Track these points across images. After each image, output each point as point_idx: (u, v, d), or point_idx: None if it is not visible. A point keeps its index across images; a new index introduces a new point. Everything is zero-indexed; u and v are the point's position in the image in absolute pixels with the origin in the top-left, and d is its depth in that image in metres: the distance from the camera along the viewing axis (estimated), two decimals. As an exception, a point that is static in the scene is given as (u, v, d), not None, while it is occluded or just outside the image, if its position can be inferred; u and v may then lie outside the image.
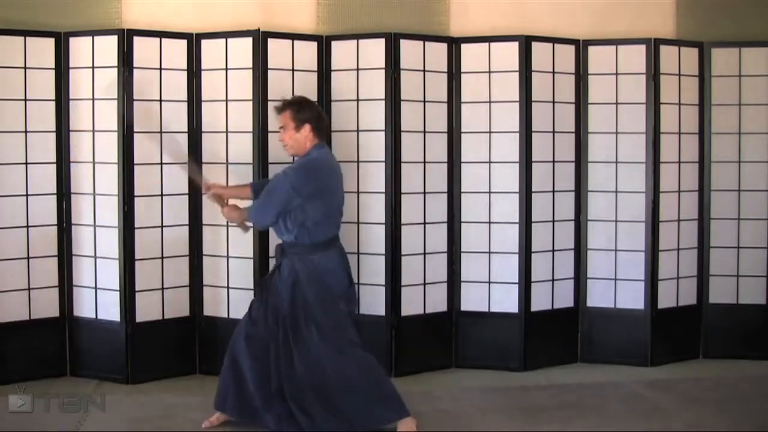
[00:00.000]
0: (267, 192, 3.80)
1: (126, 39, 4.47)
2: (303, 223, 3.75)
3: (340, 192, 3.90)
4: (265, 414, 3.74)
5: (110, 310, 4.53)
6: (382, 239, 4.68)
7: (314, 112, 3.88)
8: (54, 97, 4.56)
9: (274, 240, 4.31)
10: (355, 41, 4.71)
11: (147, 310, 4.55)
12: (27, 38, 4.49)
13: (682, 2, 5.13)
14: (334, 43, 4.73)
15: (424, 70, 4.75)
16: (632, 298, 4.93)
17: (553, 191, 4.89)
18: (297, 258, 3.78)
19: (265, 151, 4.53)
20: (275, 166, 4.40)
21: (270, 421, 3.73)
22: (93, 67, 4.52)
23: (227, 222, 4.55)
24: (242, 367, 3.79)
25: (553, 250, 4.90)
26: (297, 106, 3.86)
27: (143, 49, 4.50)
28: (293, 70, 4.64)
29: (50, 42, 4.53)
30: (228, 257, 4.62)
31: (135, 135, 4.49)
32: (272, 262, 4.16)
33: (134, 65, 4.48)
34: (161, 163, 4.56)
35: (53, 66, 4.55)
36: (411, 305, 4.75)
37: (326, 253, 3.81)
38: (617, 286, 4.96)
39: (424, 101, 4.76)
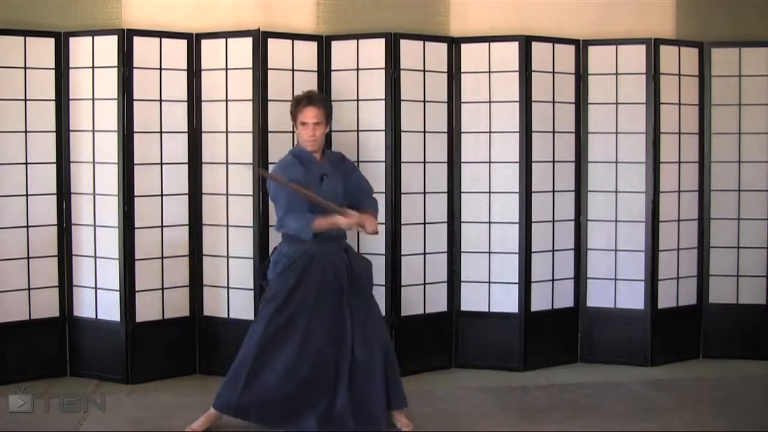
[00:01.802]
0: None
1: (126, 39, 4.47)
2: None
3: None
4: (303, 416, 3.70)
5: (110, 310, 4.53)
6: (382, 239, 4.68)
7: None
8: (54, 97, 4.56)
9: (273, 240, 4.31)
10: (355, 41, 4.71)
11: (147, 310, 4.55)
12: (27, 38, 4.49)
13: (682, 2, 5.13)
14: (334, 43, 4.73)
15: (424, 70, 4.75)
16: (632, 298, 4.93)
17: (553, 191, 4.89)
18: (340, 241, 3.92)
19: (265, 151, 4.53)
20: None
21: (309, 424, 3.68)
22: (93, 67, 4.52)
23: (227, 222, 4.56)
24: (269, 376, 3.73)
25: (553, 250, 4.90)
26: (326, 104, 3.97)
27: (143, 49, 4.50)
28: (293, 70, 4.64)
29: (50, 42, 4.53)
30: (228, 257, 4.62)
31: (135, 135, 4.49)
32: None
33: (134, 65, 4.48)
34: (161, 163, 4.57)
35: (53, 66, 4.54)
36: (411, 305, 4.75)
37: None
38: (617, 286, 4.96)
39: (424, 101, 4.75)
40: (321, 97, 4.00)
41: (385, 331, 3.99)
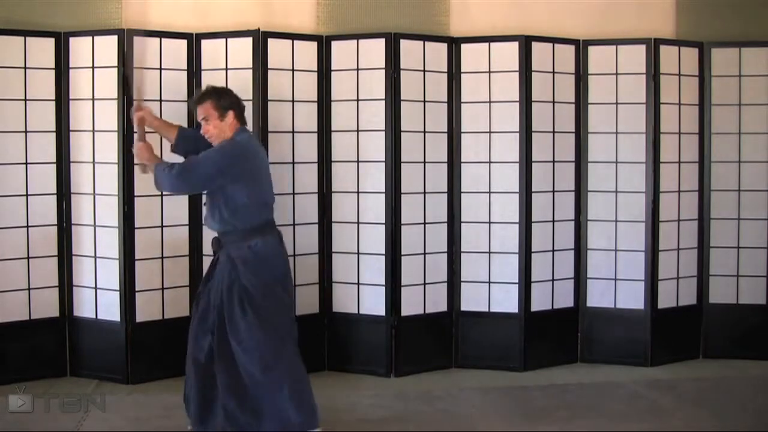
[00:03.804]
0: (187, 167, 3.65)
1: (126, 39, 4.47)
2: (234, 209, 3.63)
3: (266, 177, 3.76)
4: (209, 417, 3.63)
5: (110, 310, 4.53)
6: (382, 239, 4.68)
7: (234, 98, 3.75)
8: (54, 97, 4.56)
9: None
10: (355, 41, 4.71)
11: (147, 310, 4.55)
12: (27, 38, 4.49)
13: (682, 2, 5.13)
14: (334, 43, 4.73)
15: (424, 70, 4.75)
16: (632, 298, 4.93)
17: (553, 191, 4.89)
18: (233, 246, 3.64)
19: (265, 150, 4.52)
20: (276, 165, 4.39)
21: (216, 423, 3.60)
22: (93, 67, 4.53)
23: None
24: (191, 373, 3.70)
25: (553, 250, 4.90)
26: (217, 95, 3.71)
27: (143, 49, 4.50)
28: (293, 70, 4.64)
29: (50, 42, 4.53)
30: (228, 257, 4.62)
31: (135, 135, 4.48)
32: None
33: (134, 65, 4.48)
34: (161, 163, 4.56)
35: (53, 66, 4.55)
36: (411, 305, 4.75)
37: (263, 238, 3.66)
38: (617, 286, 4.96)
39: (424, 101, 4.76)
40: (203, 92, 3.75)
41: (226, 350, 3.59)
